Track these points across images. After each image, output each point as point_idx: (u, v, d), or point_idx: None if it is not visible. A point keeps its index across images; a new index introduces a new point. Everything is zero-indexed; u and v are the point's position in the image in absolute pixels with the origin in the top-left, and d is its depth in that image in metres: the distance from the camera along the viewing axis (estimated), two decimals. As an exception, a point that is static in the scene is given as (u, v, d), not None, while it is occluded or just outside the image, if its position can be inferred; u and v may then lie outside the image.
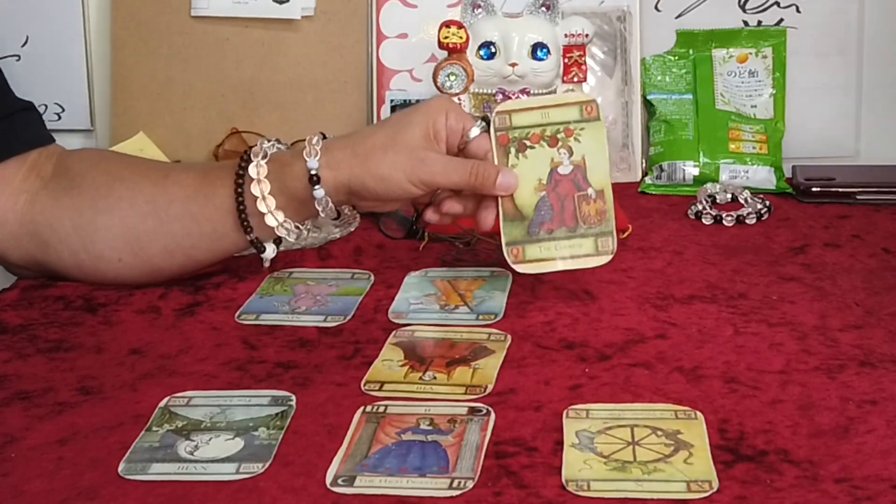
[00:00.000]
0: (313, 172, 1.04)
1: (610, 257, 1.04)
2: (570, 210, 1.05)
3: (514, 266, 1.05)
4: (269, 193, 1.05)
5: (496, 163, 1.05)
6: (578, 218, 1.05)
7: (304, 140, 1.06)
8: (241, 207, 1.06)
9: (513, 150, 1.05)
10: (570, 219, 1.05)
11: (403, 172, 1.03)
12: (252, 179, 1.05)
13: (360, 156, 1.04)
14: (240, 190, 1.06)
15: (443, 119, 1.05)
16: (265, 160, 1.06)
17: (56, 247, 1.10)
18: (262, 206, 1.06)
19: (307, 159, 1.04)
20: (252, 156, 1.06)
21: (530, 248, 1.05)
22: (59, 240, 1.10)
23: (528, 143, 1.05)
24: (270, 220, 1.06)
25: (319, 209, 1.06)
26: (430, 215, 1.08)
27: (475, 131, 1.06)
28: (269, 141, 1.08)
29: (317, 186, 1.04)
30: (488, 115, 1.08)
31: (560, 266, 1.05)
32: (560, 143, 1.05)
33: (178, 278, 1.11)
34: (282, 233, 1.07)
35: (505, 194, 1.04)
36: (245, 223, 1.07)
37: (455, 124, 1.05)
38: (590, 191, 1.05)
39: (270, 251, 1.10)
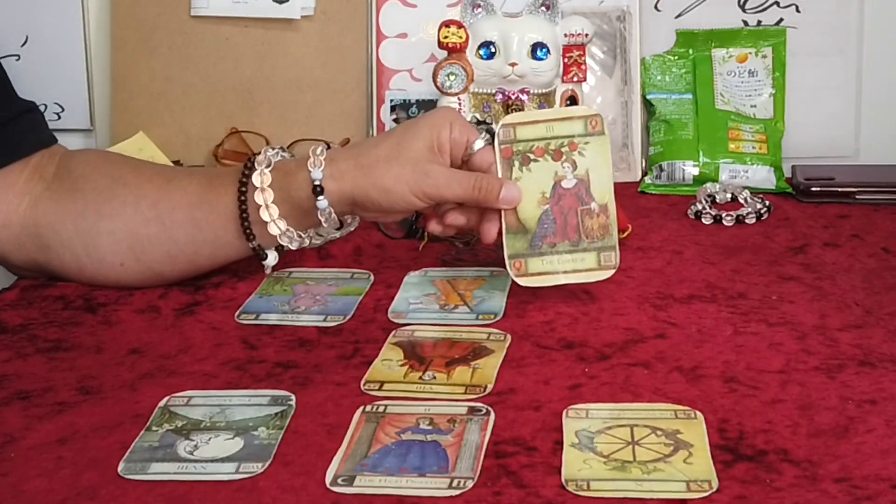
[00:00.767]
0: (317, 183, 1.04)
1: (612, 272, 1.04)
2: (573, 224, 1.05)
3: (516, 279, 1.05)
4: (273, 202, 1.06)
5: (500, 176, 1.05)
6: (581, 232, 1.05)
7: (305, 141, 1.06)
8: (244, 215, 1.06)
9: (516, 164, 1.05)
10: (572, 233, 1.05)
11: (407, 185, 1.03)
12: (255, 188, 1.06)
13: (364, 167, 1.04)
14: (243, 198, 1.06)
15: (447, 131, 1.05)
16: (269, 169, 1.06)
17: (58, 250, 1.10)
18: (264, 215, 1.06)
19: (311, 170, 1.04)
20: (256, 164, 1.06)
21: (533, 262, 1.05)
22: (60, 243, 1.10)
23: (531, 156, 1.05)
24: (273, 229, 1.06)
25: (322, 219, 1.06)
26: (434, 226, 1.08)
27: (479, 144, 1.06)
28: (273, 149, 1.08)
29: (320, 197, 1.04)
30: (492, 127, 1.07)
31: (562, 280, 1.05)
32: (564, 157, 1.05)
33: (179, 282, 1.11)
34: (284, 241, 1.07)
35: (508, 207, 1.04)
36: (248, 231, 1.07)
37: (459, 136, 1.05)
38: (593, 205, 1.05)
39: (272, 258, 1.10)
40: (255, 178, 1.06)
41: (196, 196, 1.08)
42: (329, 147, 1.06)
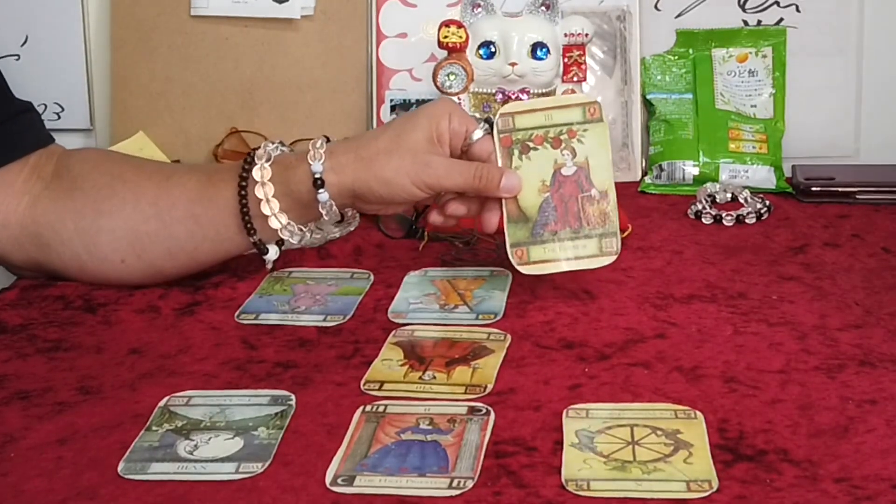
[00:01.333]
0: (317, 176, 1.04)
1: (614, 258, 1.05)
2: (574, 211, 1.05)
3: (518, 268, 1.05)
4: (273, 196, 1.06)
5: (499, 165, 1.05)
6: (582, 219, 1.05)
7: (305, 140, 1.06)
8: (245, 210, 1.06)
9: (516, 152, 1.05)
10: (573, 220, 1.05)
11: (407, 176, 1.03)
12: (256, 182, 1.06)
13: (364, 160, 1.04)
14: (243, 192, 1.06)
15: (446, 122, 1.05)
16: (269, 163, 1.06)
17: (58, 249, 1.10)
18: (265, 209, 1.06)
19: (311, 163, 1.04)
20: (256, 158, 1.06)
21: (534, 250, 1.05)
22: (60, 242, 1.10)
23: (531, 144, 1.05)
24: (274, 223, 1.06)
25: (323, 212, 1.06)
26: (434, 217, 1.08)
27: (478, 133, 1.06)
28: (272, 143, 1.08)
29: (321, 190, 1.04)
30: (491, 117, 1.08)
31: (564, 267, 1.05)
32: (563, 145, 1.05)
33: (180, 279, 1.11)
34: (285, 235, 1.07)
35: (509, 196, 1.05)
36: (248, 225, 1.07)
37: (458, 127, 1.06)
38: (593, 192, 1.05)
39: (273, 253, 1.10)
40: (256, 173, 1.06)
41: (196, 192, 1.08)
42: (329, 140, 1.07)
